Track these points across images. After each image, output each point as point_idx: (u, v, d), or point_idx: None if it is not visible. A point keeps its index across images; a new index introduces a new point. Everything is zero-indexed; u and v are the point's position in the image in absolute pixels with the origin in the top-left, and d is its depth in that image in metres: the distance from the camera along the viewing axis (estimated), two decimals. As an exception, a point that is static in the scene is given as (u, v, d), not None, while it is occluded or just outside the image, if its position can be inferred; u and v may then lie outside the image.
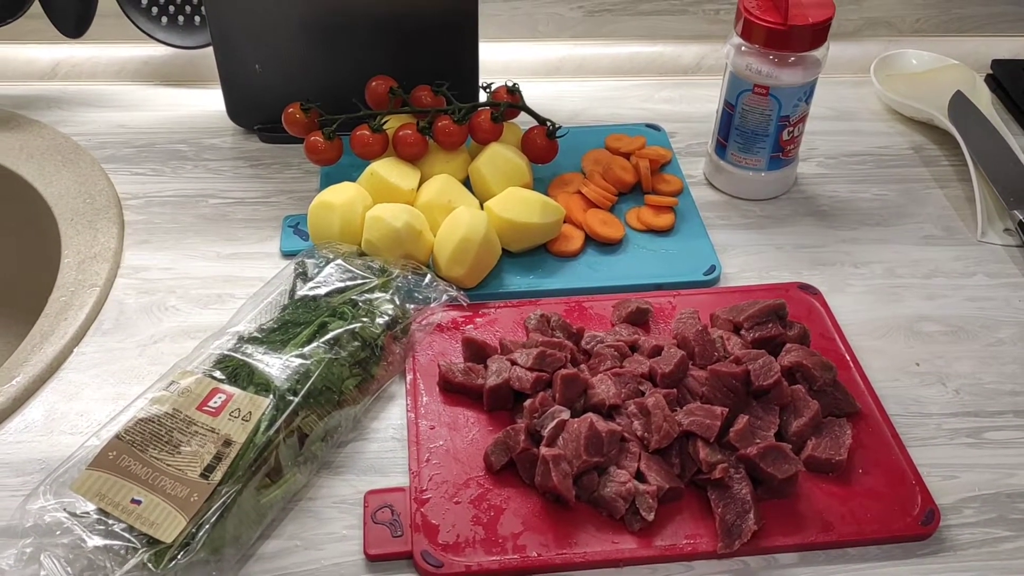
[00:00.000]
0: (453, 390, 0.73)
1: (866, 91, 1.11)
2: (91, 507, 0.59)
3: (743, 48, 0.86)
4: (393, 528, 0.64)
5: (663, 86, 1.12)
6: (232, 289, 0.83)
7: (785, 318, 0.76)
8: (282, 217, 0.91)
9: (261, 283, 0.79)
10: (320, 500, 0.67)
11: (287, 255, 0.86)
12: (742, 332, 0.75)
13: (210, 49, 0.97)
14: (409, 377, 0.74)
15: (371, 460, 0.70)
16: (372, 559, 0.63)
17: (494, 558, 0.62)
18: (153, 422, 0.63)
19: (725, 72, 0.90)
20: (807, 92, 0.88)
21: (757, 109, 0.88)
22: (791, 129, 0.89)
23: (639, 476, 0.66)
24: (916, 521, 0.65)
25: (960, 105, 1.02)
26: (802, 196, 0.96)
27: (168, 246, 0.88)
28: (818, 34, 0.84)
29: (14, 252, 1.01)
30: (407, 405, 0.73)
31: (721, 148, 0.93)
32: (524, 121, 0.93)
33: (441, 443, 0.70)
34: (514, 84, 0.92)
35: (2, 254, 1.03)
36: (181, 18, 1.05)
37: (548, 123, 0.91)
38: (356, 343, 0.71)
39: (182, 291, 0.83)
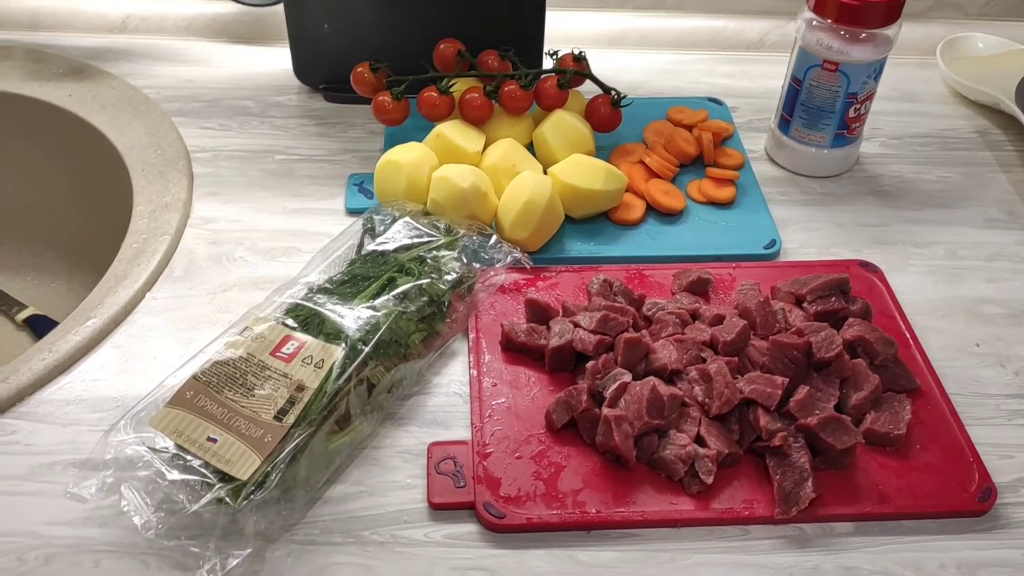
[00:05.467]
0: (515, 349, 0.74)
1: (931, 73, 1.10)
2: (169, 443, 0.61)
3: (814, 23, 0.86)
4: (456, 479, 0.66)
5: (725, 61, 1.12)
6: (298, 243, 0.84)
7: (848, 293, 0.76)
8: (346, 175, 0.92)
9: (327, 238, 0.81)
10: (384, 449, 0.68)
11: (352, 212, 0.87)
12: (804, 305, 0.76)
13: (277, 8, 0.98)
14: (472, 335, 0.76)
15: (434, 413, 0.71)
16: (435, 507, 0.64)
17: (554, 512, 0.64)
18: (228, 365, 0.65)
19: (794, 47, 0.89)
20: (876, 70, 0.87)
21: (825, 85, 0.87)
22: (858, 107, 0.89)
23: (699, 440, 0.67)
24: (973, 497, 0.65)
25: (1028, 90, 1.01)
26: (864, 175, 0.95)
27: (236, 199, 0.89)
28: (891, 11, 0.83)
29: (86, 199, 1.04)
30: (469, 363, 0.74)
31: (785, 124, 0.93)
32: (588, 91, 0.93)
33: (503, 400, 0.71)
34: (580, 52, 0.92)
35: (74, 201, 1.05)
36: (251, -24, 1.06)
37: (613, 92, 0.91)
38: (423, 299, 0.72)
39: (250, 243, 0.84)
